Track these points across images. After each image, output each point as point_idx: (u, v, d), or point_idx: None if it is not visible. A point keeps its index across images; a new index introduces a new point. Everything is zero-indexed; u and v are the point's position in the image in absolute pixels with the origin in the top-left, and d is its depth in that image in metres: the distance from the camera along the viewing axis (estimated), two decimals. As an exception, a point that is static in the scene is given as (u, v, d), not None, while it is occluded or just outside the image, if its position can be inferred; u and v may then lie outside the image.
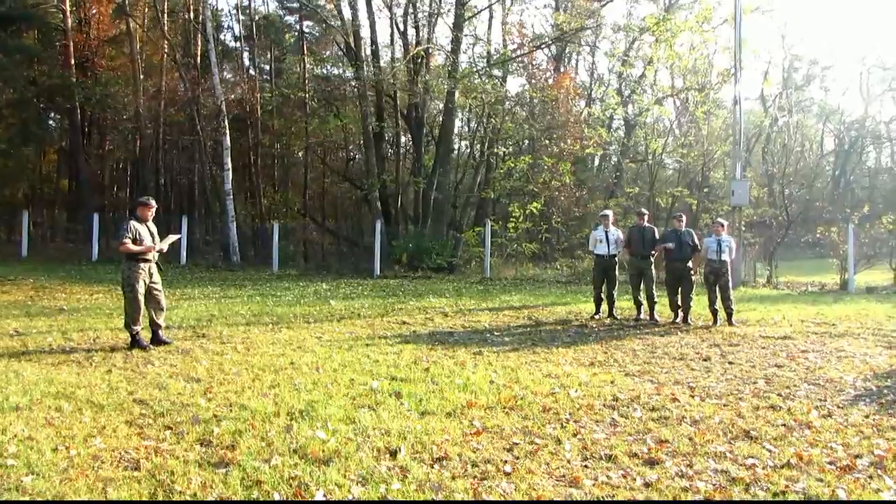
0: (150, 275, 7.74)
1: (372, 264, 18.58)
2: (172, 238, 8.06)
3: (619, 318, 10.71)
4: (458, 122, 28.11)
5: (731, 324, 9.97)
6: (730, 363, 7.28)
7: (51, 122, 30.64)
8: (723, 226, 10.29)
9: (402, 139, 27.44)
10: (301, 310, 11.16)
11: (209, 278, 16.71)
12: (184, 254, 20.05)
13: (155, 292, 7.80)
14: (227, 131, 21.36)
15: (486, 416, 5.11)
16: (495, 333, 9.14)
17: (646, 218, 10.90)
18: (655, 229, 10.79)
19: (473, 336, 8.91)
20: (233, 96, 24.53)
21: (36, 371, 6.44)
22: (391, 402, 5.46)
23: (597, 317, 10.77)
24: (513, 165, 22.49)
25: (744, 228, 17.25)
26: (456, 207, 25.07)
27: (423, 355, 7.47)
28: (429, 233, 20.69)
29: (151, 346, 7.63)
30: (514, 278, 17.63)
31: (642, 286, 10.61)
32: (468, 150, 29.67)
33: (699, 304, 10.80)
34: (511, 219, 20.29)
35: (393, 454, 4.28)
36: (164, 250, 7.90)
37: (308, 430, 4.68)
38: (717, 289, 10.09)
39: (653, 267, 10.68)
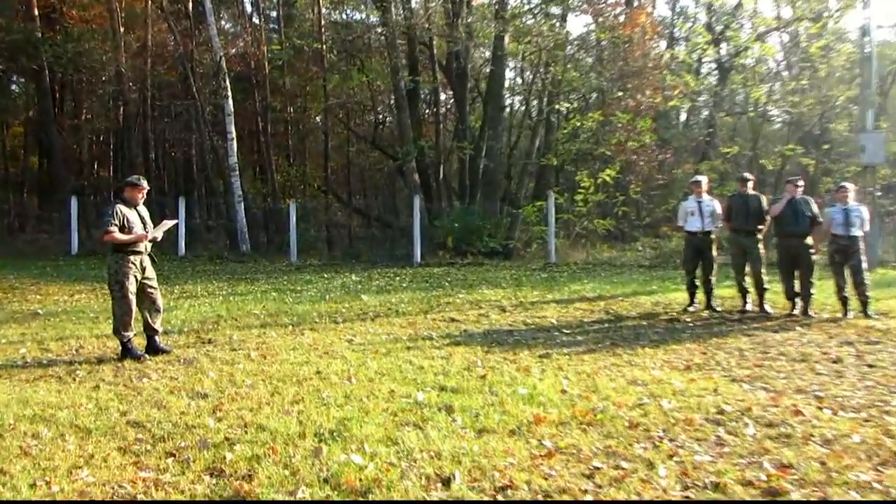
0: (143, 269, 7.85)
1: (410, 249, 18.72)
2: (168, 224, 8.18)
3: (719, 310, 10.58)
4: (509, 74, 28.22)
5: (866, 315, 9.76)
6: (868, 366, 7.15)
7: (13, 87, 30.82)
8: (850, 191, 10.02)
9: (442, 96, 27.44)
10: (327, 307, 11.29)
11: (214, 271, 16.97)
12: (182, 243, 20.35)
13: (149, 290, 7.91)
14: (230, 93, 21.64)
15: (559, 434, 5.11)
16: (565, 331, 9.13)
17: (750, 184, 10.66)
18: (762, 198, 10.55)
19: (538, 335, 8.92)
20: (234, 51, 24.50)
21: (7, 389, 6.54)
22: (441, 417, 5.49)
23: (691, 309, 10.68)
24: (579, 124, 22.32)
25: (879, 194, 16.84)
26: (510, 178, 25.04)
27: (478, 359, 7.51)
28: (478, 209, 20.79)
29: (147, 356, 7.75)
30: (585, 263, 17.65)
31: (748, 269, 10.44)
32: (523, 108, 29.59)
33: (822, 290, 10.56)
34: (579, 190, 20.21)
35: (445, 482, 4.27)
36: (159, 239, 8.02)
37: (341, 455, 4.71)
38: (847, 271, 9.87)
39: (761, 245, 10.44)
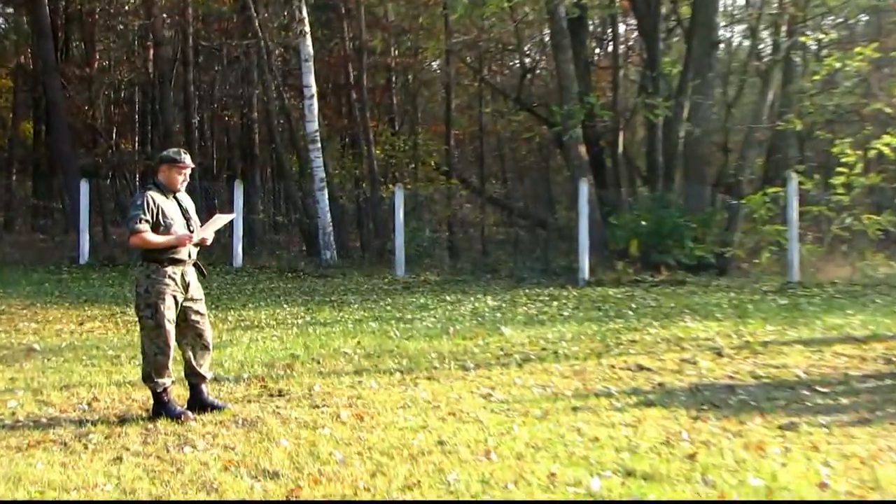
0: (185, 287, 7.97)
1: (575, 260, 18.69)
2: (222, 220, 8.37)
3: None
4: (725, -8, 27.29)
5: None
6: None
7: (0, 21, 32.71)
8: None
9: (621, 28, 27.55)
10: (451, 345, 11.40)
11: (285, 290, 17.29)
12: (238, 248, 20.83)
13: (194, 318, 8.05)
14: (308, 29, 22.07)
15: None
16: (820, 389, 8.88)
17: None
18: None
19: (776, 394, 8.74)
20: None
21: (-8, 461, 6.70)
22: (629, 519, 5.41)
23: None
24: (837, 67, 21.59)
25: None
26: (727, 151, 24.42)
27: (682, 430, 7.45)
28: (677, 200, 20.53)
29: (191, 414, 7.90)
30: (850, 283, 17.23)
31: None
32: (747, 44, 28.72)
33: None
34: (839, 169, 19.65)
35: None
36: (209, 242, 8.21)
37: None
38: None
39: None
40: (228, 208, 19.81)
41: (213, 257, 20.32)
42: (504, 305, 15.02)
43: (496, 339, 11.81)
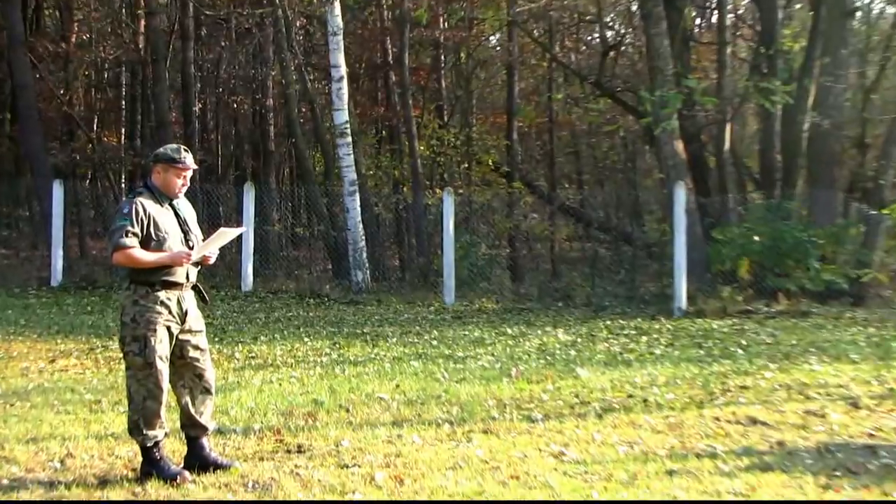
0: (182, 315, 8.00)
1: (669, 285, 18.82)
2: (229, 235, 8.35)
3: None
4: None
5: None
6: None
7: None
8: None
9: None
10: (512, 390, 11.41)
11: (306, 320, 17.42)
12: (249, 268, 20.94)
13: (192, 354, 8.07)
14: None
15: None
16: None
17: None
18: None
19: (933, 459, 8.52)
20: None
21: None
22: None
23: None
24: None
25: None
26: (865, 148, 24.24)
27: (808, 501, 7.36)
28: (799, 209, 20.44)
29: (188, 475, 7.90)
30: None
31: None
32: (890, 13, 28.59)
33: None
34: None
35: None
36: (212, 260, 8.26)
37: None
38: None
39: None
40: (237, 219, 20.51)
41: (216, 279, 20.62)
42: (580, 341, 15.01)
43: (570, 383, 11.79)
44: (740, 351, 14.01)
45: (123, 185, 31.73)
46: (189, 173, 8.02)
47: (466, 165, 27.16)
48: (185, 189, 8.06)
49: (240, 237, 17.21)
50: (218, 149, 30.91)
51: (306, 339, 15.20)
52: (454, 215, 20.21)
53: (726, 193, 21.78)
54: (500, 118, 28.55)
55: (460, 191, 23.37)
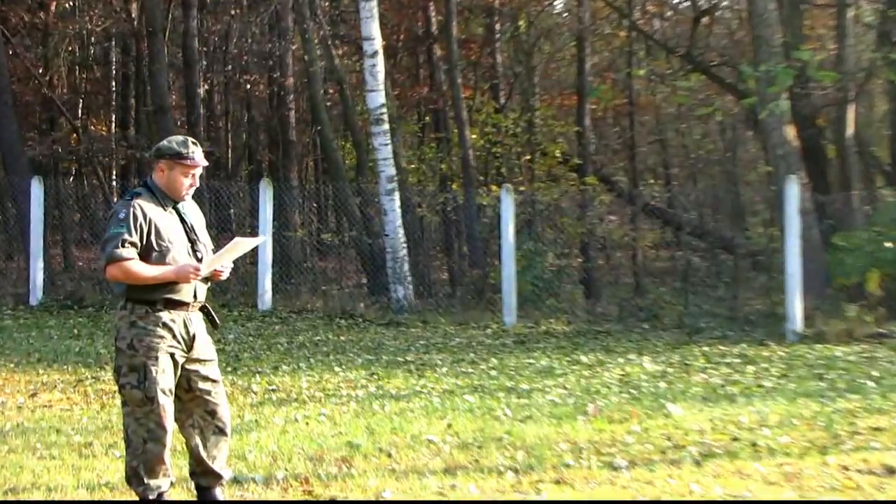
0: (189, 340, 7.93)
1: (780, 302, 18.64)
2: (245, 245, 8.35)
3: None
4: None
5: None
6: None
7: None
8: None
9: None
10: (589, 431, 11.27)
11: (336, 344, 17.46)
12: (266, 282, 20.93)
13: (202, 387, 8.03)
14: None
15: None
16: None
17: None
18: None
19: None
20: None
21: None
22: None
23: None
24: None
25: None
26: None
27: None
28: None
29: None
30: None
31: None
32: None
33: None
34: None
35: None
36: (225, 275, 8.25)
37: None
38: None
39: None
40: (251, 223, 20.92)
41: (228, 296, 20.81)
42: (671, 371, 14.93)
43: (660, 422, 11.68)
44: (871, 384, 13.80)
45: (115, 184, 31.74)
46: (198, 171, 8.02)
47: (528, 157, 27.19)
48: (192, 190, 8.08)
49: (258, 247, 17.38)
50: (228, 139, 31.28)
51: (337, 369, 15.17)
52: (514, 218, 20.10)
53: (850, 189, 21.79)
54: (568, 100, 28.68)
55: (521, 188, 23.22)
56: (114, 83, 33.29)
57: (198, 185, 8.03)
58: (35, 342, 17.31)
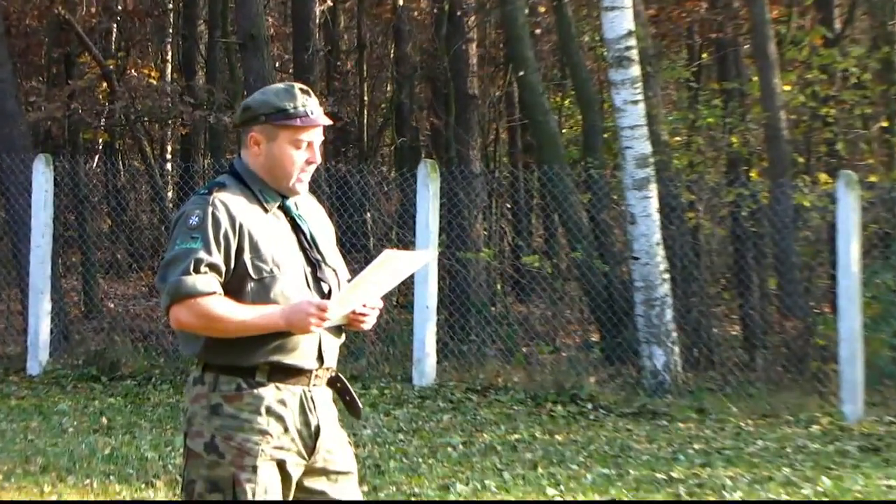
0: (312, 436, 5.73)
1: None
2: (404, 266, 6.23)
3: None
4: None
5: None
6: None
7: None
8: None
9: None
10: None
11: (545, 448, 14.07)
12: (427, 334, 17.34)
13: None
14: None
15: None
16: None
17: None
18: None
19: None
20: None
21: None
22: None
23: None
24: None
25: None
26: None
27: None
28: None
29: None
30: None
31: None
32: None
33: None
34: None
35: None
36: (371, 321, 6.04)
37: None
38: None
39: None
40: (400, 234, 19.49)
41: (363, 363, 17.55)
42: None
43: None
44: None
45: (170, 167, 28.46)
46: (318, 137, 5.76)
47: (885, 124, 22.04)
48: (310, 172, 5.82)
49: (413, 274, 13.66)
50: (361, 93, 26.92)
51: (552, 492, 11.99)
52: (859, 230, 15.66)
53: None
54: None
55: (873, 178, 19.27)
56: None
57: (318, 161, 5.74)
58: (37, 438, 13.94)
